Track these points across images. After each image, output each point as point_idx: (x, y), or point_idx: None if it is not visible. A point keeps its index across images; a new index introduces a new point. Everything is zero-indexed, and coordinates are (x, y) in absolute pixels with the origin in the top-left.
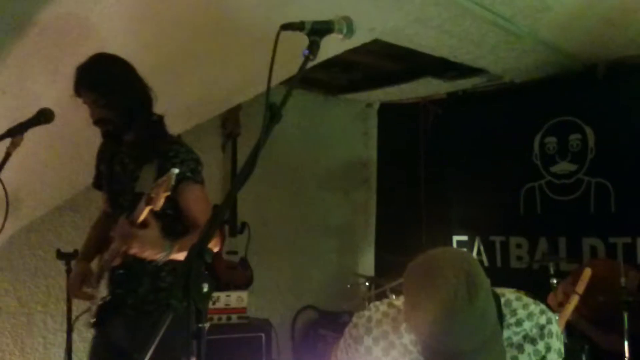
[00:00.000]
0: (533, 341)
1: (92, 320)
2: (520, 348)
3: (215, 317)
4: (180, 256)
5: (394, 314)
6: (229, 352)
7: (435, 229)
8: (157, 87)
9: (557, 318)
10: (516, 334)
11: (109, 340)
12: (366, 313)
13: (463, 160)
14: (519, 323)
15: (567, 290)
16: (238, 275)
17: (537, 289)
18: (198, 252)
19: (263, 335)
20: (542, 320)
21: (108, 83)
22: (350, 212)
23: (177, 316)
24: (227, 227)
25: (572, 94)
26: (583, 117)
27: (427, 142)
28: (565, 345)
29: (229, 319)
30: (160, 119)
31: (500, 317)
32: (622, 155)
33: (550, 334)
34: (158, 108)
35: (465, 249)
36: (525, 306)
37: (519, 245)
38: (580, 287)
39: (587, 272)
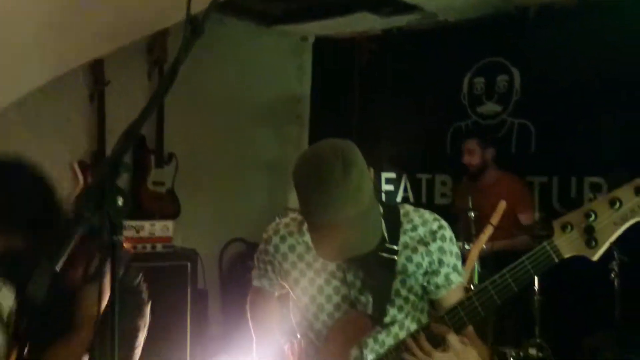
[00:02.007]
0: (426, 244)
1: None
2: (414, 250)
3: (140, 245)
4: None
5: (300, 219)
6: (153, 281)
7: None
8: (77, 2)
9: (449, 226)
10: (412, 238)
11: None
12: (277, 220)
13: (394, 99)
14: (414, 228)
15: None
16: (165, 207)
17: (459, 223)
18: (112, 164)
19: (189, 264)
20: (435, 226)
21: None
22: (282, 147)
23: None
24: (153, 157)
25: (502, 35)
26: (511, 58)
27: (361, 78)
28: (479, 274)
29: (153, 247)
30: None
31: (399, 224)
32: (545, 98)
33: (443, 238)
34: (79, 26)
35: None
36: (421, 215)
37: (443, 183)
38: (495, 218)
39: (502, 205)
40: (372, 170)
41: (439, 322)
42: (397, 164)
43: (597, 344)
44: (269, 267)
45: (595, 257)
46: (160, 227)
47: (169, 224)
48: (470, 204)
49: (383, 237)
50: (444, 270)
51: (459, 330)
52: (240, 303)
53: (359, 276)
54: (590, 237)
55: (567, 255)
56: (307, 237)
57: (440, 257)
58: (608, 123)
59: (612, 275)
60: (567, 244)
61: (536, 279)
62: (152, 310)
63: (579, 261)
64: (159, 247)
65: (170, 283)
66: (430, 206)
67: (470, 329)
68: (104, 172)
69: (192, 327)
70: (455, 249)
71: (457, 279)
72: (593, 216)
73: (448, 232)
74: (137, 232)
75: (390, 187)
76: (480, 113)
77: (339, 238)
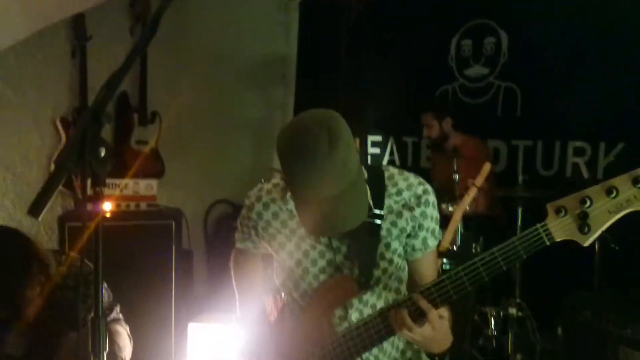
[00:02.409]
0: (411, 209)
1: None
2: (399, 214)
3: (123, 204)
4: None
5: (283, 185)
6: (138, 240)
7: (351, 129)
8: None
9: (433, 190)
10: (396, 202)
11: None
12: (259, 186)
13: (382, 60)
14: (399, 193)
15: (468, 184)
16: (149, 166)
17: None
18: (94, 114)
19: (173, 223)
20: (420, 190)
21: None
22: (267, 108)
23: None
24: (136, 116)
25: None
26: (499, 20)
27: (349, 39)
28: (461, 235)
29: (137, 206)
30: None
31: (383, 188)
32: (532, 61)
33: (427, 203)
34: None
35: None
36: (405, 179)
37: (429, 146)
38: (479, 180)
39: (487, 167)
40: (357, 139)
41: (425, 293)
42: (384, 126)
43: (576, 304)
44: (253, 232)
45: (587, 244)
46: (144, 186)
47: (153, 182)
48: (455, 167)
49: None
50: (422, 234)
51: (444, 302)
52: (226, 264)
53: (344, 242)
54: (583, 223)
55: (559, 239)
56: (291, 205)
57: (422, 222)
58: (594, 87)
59: None
60: (560, 228)
61: None
62: (137, 269)
63: None
64: (143, 205)
65: (154, 242)
66: (416, 169)
67: None
68: (86, 122)
69: (176, 286)
70: (436, 213)
71: (434, 244)
72: (588, 202)
73: (432, 197)
74: (121, 190)
75: (376, 150)
76: (467, 76)
77: (326, 213)
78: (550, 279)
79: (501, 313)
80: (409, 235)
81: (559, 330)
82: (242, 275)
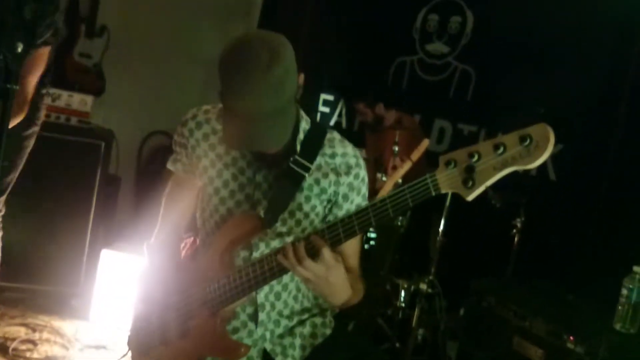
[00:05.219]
0: (338, 174)
1: None
2: (325, 175)
3: (54, 115)
4: None
5: (222, 106)
6: (63, 155)
7: (306, 82)
8: None
9: (365, 167)
10: (327, 164)
11: None
12: (199, 107)
13: (346, 21)
14: (332, 156)
15: (403, 156)
16: (88, 81)
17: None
18: (17, 3)
19: (103, 144)
20: (352, 161)
21: None
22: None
23: None
24: (83, 26)
25: None
26: (468, 0)
27: None
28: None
29: (68, 120)
30: None
31: (320, 146)
32: (493, 46)
33: (357, 176)
34: None
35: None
36: (344, 146)
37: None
38: (415, 155)
39: (425, 143)
40: (302, 75)
41: (318, 234)
42: (337, 87)
43: (483, 288)
44: (184, 151)
45: (470, 198)
46: (78, 100)
47: (88, 98)
48: (396, 138)
49: (301, 151)
50: (346, 206)
51: (335, 244)
52: (155, 195)
53: (268, 179)
54: (468, 176)
55: (444, 191)
56: None
57: (347, 193)
58: (546, 85)
59: (514, 231)
60: (446, 180)
61: (442, 221)
62: (58, 184)
63: (487, 212)
64: (74, 120)
65: (81, 161)
66: (361, 135)
67: (349, 251)
68: (7, 8)
69: (96, 210)
70: (364, 189)
71: None
72: (476, 157)
73: (362, 172)
74: (53, 100)
75: (326, 109)
76: (428, 51)
77: (248, 128)
78: (467, 262)
79: (412, 287)
80: (329, 202)
81: (461, 312)
82: (165, 201)
